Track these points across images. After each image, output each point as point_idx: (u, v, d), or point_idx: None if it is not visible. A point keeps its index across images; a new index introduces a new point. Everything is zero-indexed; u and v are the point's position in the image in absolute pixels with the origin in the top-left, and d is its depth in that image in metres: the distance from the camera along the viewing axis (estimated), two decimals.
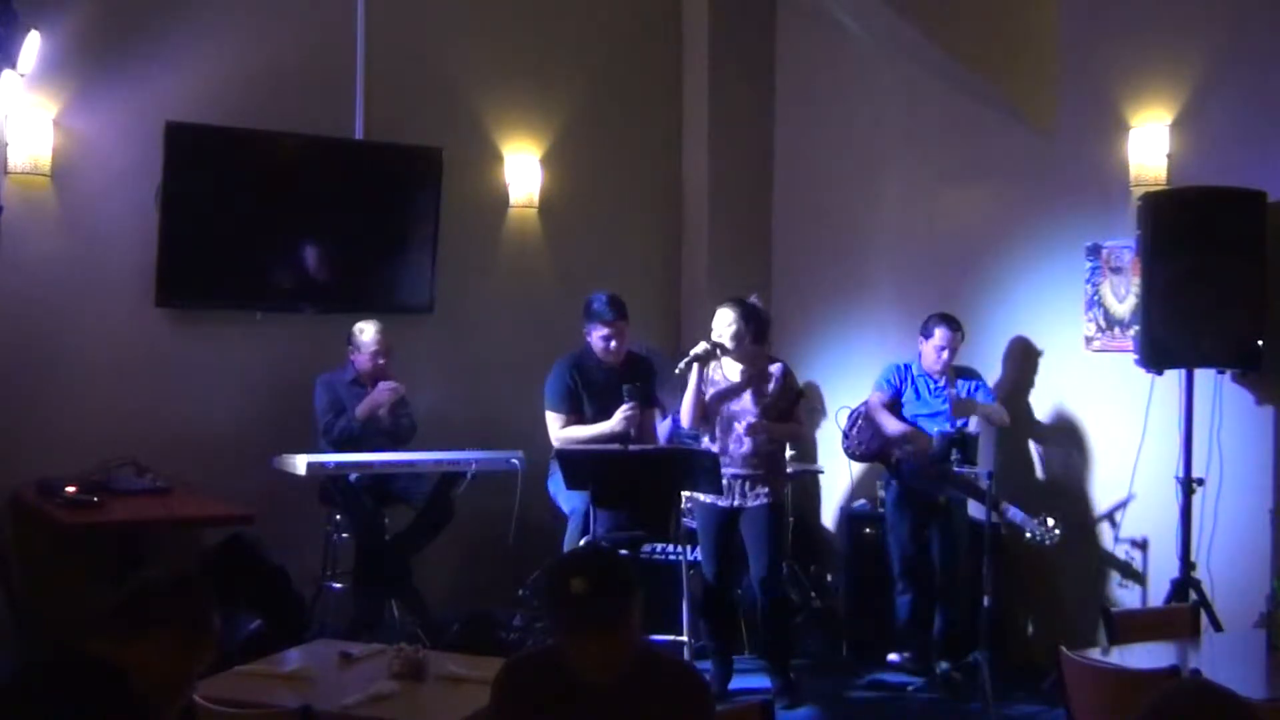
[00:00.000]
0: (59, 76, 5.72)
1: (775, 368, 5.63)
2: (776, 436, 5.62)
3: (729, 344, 5.50)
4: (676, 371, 5.60)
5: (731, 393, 5.55)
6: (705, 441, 5.63)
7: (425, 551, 6.11)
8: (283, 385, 6.19)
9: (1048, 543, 5.56)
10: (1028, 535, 5.59)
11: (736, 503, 5.51)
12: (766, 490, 5.51)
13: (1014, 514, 5.60)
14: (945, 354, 5.90)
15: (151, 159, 5.88)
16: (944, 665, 5.81)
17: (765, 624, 5.63)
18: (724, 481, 5.46)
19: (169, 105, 5.94)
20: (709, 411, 5.58)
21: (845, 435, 6.22)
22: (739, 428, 5.48)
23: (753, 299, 5.75)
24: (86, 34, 5.80)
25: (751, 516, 5.51)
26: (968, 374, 6.01)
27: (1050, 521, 5.54)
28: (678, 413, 6.39)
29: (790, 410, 5.66)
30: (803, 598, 6.54)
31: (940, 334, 5.90)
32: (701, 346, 5.50)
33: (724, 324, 5.52)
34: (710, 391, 5.56)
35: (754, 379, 5.55)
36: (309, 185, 6.39)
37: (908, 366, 6.03)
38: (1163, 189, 5.59)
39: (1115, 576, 5.90)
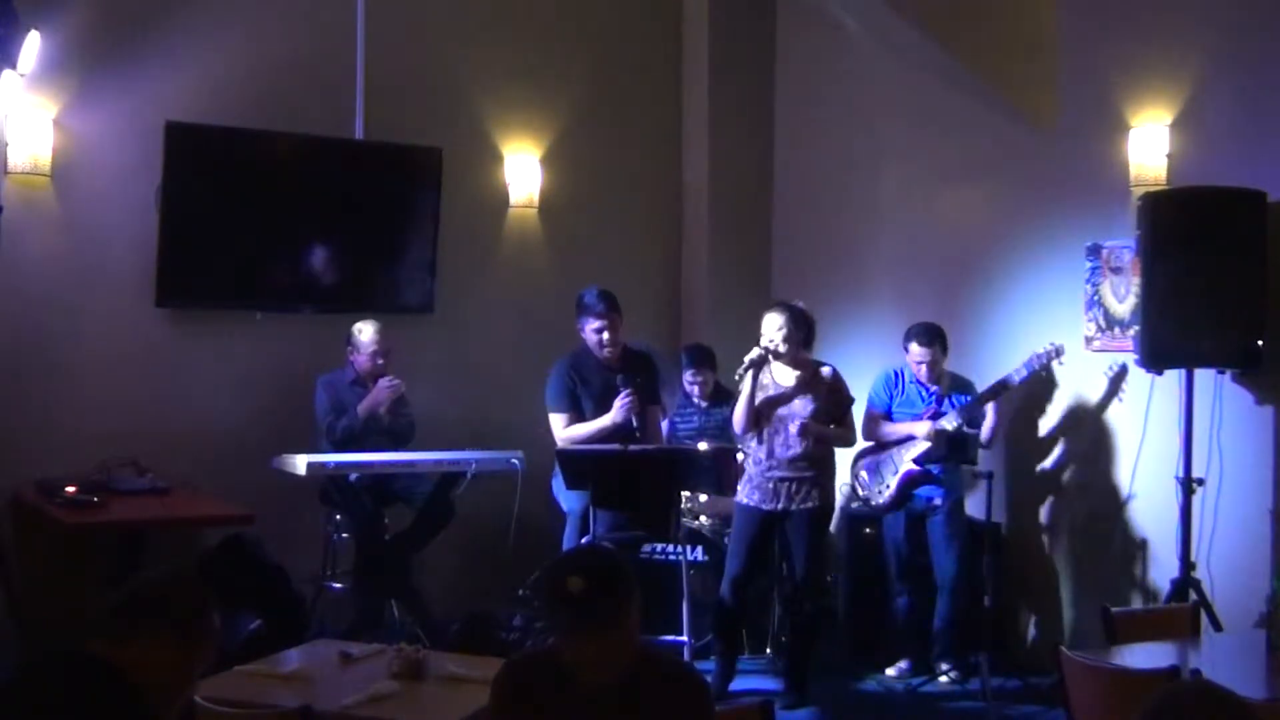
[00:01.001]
0: (59, 76, 5.72)
1: (826, 371, 5.56)
2: (826, 439, 5.54)
3: (781, 348, 5.45)
4: (736, 376, 5.52)
5: (783, 397, 5.50)
6: (751, 445, 5.54)
7: (425, 551, 6.11)
8: (283, 385, 6.19)
9: (1061, 361, 5.74)
10: (1040, 369, 5.78)
11: (782, 506, 5.46)
12: (817, 492, 5.47)
13: (1021, 371, 5.78)
14: (924, 369, 5.88)
15: (151, 159, 5.88)
16: (944, 666, 5.81)
17: (798, 626, 5.59)
18: (770, 485, 5.43)
19: (169, 105, 5.94)
20: (759, 416, 5.53)
21: (869, 493, 6.02)
22: (792, 429, 5.42)
23: (799, 304, 5.70)
24: (86, 34, 5.81)
25: (799, 520, 5.45)
26: (962, 386, 5.96)
27: (1053, 344, 5.75)
28: (674, 413, 6.40)
29: (842, 416, 5.61)
30: (825, 603, 6.51)
31: (914, 350, 5.87)
32: (756, 352, 5.42)
33: (774, 328, 5.44)
34: (760, 396, 5.52)
35: (806, 383, 5.51)
36: (309, 185, 6.39)
37: (899, 372, 6.01)
38: (1163, 189, 5.59)
39: (1115, 576, 5.90)
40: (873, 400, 6.04)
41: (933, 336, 5.87)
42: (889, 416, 5.98)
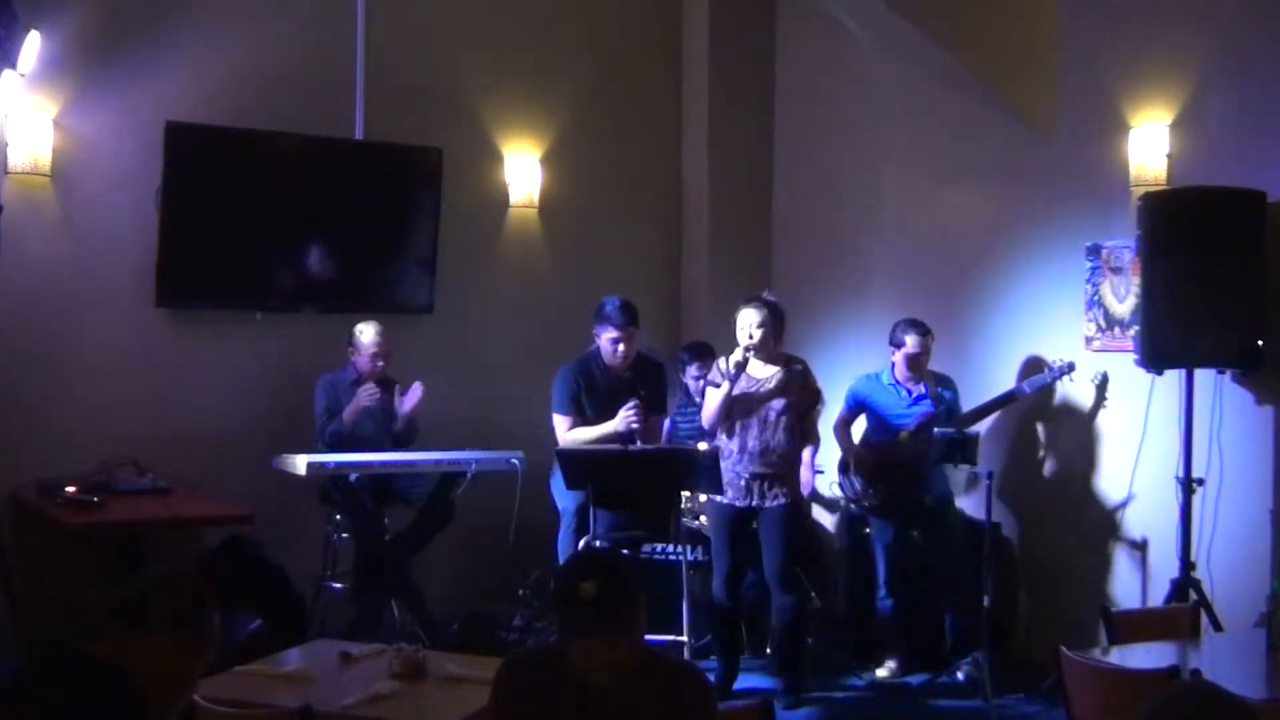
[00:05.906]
0: (59, 76, 5.72)
1: (797, 365, 5.58)
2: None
3: (759, 344, 5.46)
4: (721, 378, 5.51)
5: (755, 391, 5.51)
6: (722, 441, 5.57)
7: (425, 551, 6.11)
8: (283, 385, 6.19)
9: (1071, 378, 5.80)
10: (1052, 383, 5.85)
11: (754, 503, 5.47)
12: (785, 490, 5.49)
13: (1032, 383, 5.85)
14: (921, 359, 5.90)
15: (151, 159, 5.88)
16: (954, 666, 5.78)
17: (781, 621, 5.60)
18: (742, 482, 5.45)
19: (169, 105, 5.95)
20: (730, 411, 5.54)
21: (855, 493, 6.06)
22: (765, 424, 5.44)
23: (769, 295, 5.70)
24: (86, 34, 5.81)
25: (771, 517, 5.47)
26: (946, 383, 5.97)
27: (1062, 359, 5.80)
28: (676, 413, 6.40)
29: (810, 409, 5.65)
30: (802, 597, 6.52)
31: (912, 341, 5.86)
32: (739, 354, 5.41)
33: (753, 324, 5.44)
34: (735, 390, 5.51)
35: (779, 378, 5.52)
36: (309, 185, 6.39)
37: (876, 376, 6.03)
38: (1163, 189, 5.59)
39: (1115, 576, 5.90)
40: (847, 401, 6.09)
41: (925, 326, 5.89)
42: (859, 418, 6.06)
